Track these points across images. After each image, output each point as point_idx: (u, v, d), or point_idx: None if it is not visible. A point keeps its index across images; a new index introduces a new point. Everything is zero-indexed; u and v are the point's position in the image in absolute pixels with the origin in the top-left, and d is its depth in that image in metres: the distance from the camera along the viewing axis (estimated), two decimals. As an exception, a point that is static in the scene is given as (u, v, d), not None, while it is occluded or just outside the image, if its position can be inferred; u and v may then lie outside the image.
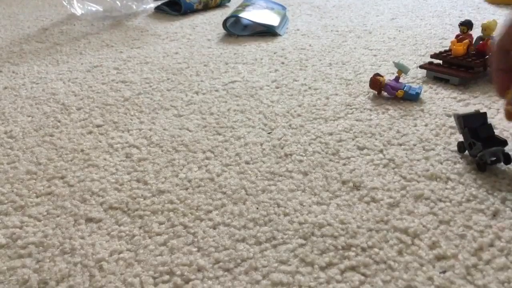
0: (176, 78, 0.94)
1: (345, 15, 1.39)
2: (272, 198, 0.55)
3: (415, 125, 0.70)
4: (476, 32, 0.87)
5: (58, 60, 1.09)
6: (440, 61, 0.87)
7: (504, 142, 0.57)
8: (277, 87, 0.87)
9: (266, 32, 1.22)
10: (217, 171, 0.61)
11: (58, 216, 0.53)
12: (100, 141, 0.70)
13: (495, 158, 0.57)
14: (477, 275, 0.42)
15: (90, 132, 0.73)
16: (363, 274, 0.43)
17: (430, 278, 0.42)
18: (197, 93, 0.86)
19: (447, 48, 0.89)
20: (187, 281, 0.43)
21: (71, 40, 1.25)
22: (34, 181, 0.61)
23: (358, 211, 0.52)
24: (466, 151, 0.60)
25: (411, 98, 0.78)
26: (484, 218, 0.50)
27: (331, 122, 0.73)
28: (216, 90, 0.87)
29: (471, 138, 0.58)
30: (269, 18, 1.27)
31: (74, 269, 0.45)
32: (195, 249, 0.47)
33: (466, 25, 0.87)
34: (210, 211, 0.53)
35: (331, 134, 0.69)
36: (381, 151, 0.63)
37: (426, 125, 0.70)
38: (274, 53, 1.07)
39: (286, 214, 0.52)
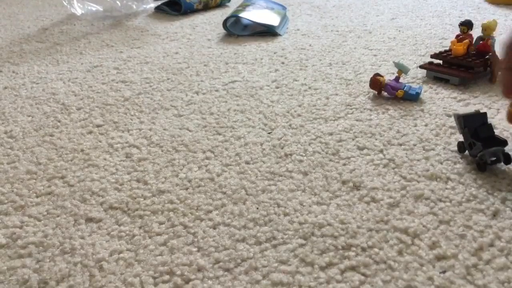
0: (176, 78, 0.94)
1: (345, 15, 1.39)
2: (272, 198, 0.55)
3: (415, 125, 0.70)
4: (476, 32, 0.87)
5: (58, 60, 1.09)
6: (440, 61, 0.87)
7: (504, 142, 0.57)
8: (277, 87, 0.87)
9: (266, 32, 1.22)
10: (217, 171, 0.61)
11: (58, 216, 0.53)
12: (100, 141, 0.70)
13: (495, 158, 0.57)
14: (477, 275, 0.42)
15: (90, 132, 0.73)
16: (363, 274, 0.43)
17: (430, 278, 0.42)
18: (197, 93, 0.86)
19: (447, 48, 0.89)
20: (187, 281, 0.43)
21: (71, 40, 1.25)
22: (34, 181, 0.61)
23: (358, 211, 0.52)
24: (466, 151, 0.60)
25: (411, 98, 0.78)
26: (484, 218, 0.50)
27: (331, 122, 0.73)
28: (216, 90, 0.87)
29: (471, 138, 0.58)
30: (269, 18, 1.27)
31: (74, 269, 0.45)
32: (195, 249, 0.47)
33: (466, 25, 0.87)
34: (210, 211, 0.53)
35: (331, 134, 0.69)
36: (381, 151, 0.63)
37: (426, 125, 0.70)
38: (274, 53, 1.07)
39: (286, 214, 0.52)
